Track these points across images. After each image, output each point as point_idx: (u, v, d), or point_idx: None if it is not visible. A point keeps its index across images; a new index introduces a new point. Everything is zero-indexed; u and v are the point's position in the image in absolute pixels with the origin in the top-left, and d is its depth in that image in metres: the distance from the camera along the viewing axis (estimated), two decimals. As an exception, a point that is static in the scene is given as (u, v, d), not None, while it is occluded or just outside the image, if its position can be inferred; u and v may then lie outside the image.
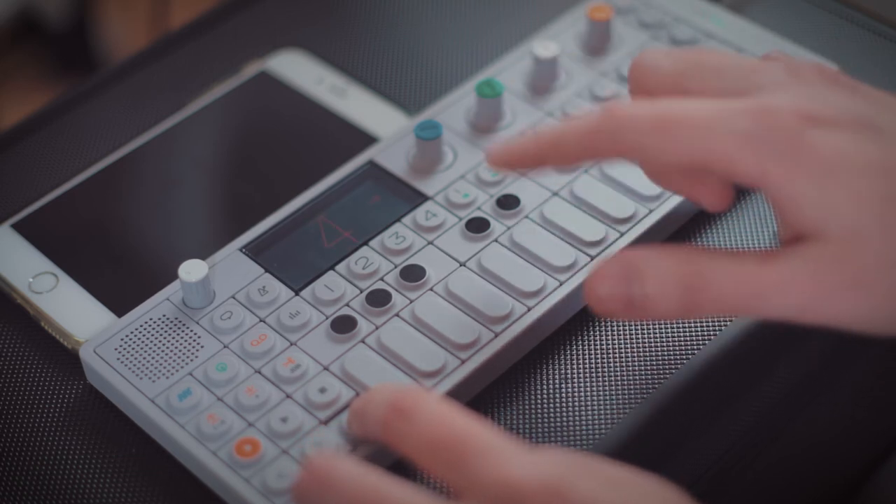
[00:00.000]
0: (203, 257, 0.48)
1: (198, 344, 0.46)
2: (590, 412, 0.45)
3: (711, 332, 0.47)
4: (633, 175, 0.49)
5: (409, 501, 0.36)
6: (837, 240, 0.37)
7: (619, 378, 0.46)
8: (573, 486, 0.35)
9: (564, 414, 0.45)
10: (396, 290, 0.47)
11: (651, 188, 0.49)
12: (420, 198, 0.50)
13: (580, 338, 0.47)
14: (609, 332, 0.47)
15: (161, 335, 0.46)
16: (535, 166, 0.43)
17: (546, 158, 0.42)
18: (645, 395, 0.45)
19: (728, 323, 0.47)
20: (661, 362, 0.46)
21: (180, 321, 0.46)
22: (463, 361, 0.45)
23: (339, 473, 0.37)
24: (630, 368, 0.46)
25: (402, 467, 0.41)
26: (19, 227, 0.52)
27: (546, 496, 0.35)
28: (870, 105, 0.39)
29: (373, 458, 0.42)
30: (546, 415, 0.45)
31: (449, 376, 0.44)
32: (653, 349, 0.46)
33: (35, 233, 0.52)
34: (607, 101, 0.40)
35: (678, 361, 0.46)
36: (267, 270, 0.48)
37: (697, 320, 0.47)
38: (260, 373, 0.45)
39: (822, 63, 0.41)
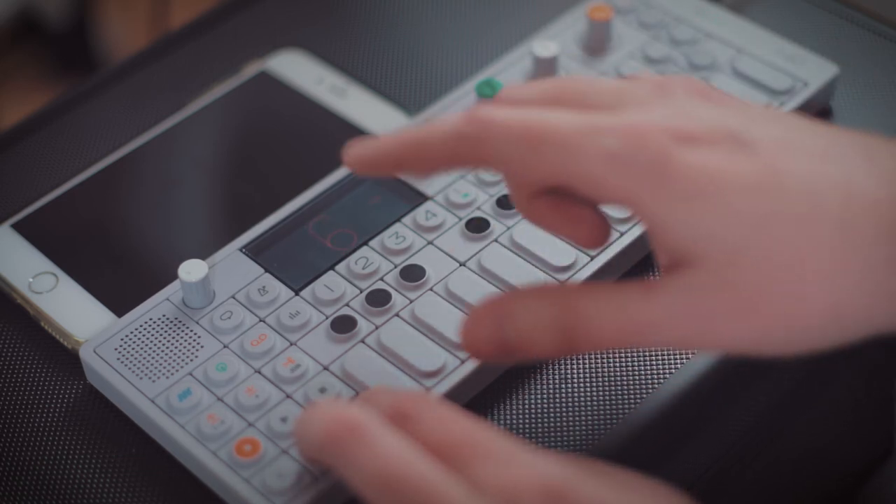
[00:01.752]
0: (203, 257, 0.48)
1: (198, 344, 0.46)
2: (589, 413, 0.45)
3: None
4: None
5: (438, 488, 0.35)
6: (716, 264, 0.35)
7: (618, 379, 0.46)
8: (576, 489, 0.35)
9: (564, 414, 0.45)
10: (396, 290, 0.47)
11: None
12: (420, 198, 0.50)
13: (580, 338, 0.47)
14: (609, 332, 0.47)
15: (161, 335, 0.46)
16: (393, 170, 0.40)
17: (405, 161, 0.39)
18: (644, 396, 0.45)
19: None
20: (660, 363, 0.46)
21: (180, 321, 0.46)
22: (463, 361, 0.45)
23: (375, 437, 0.36)
24: (630, 369, 0.46)
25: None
26: (19, 227, 0.52)
27: (549, 498, 0.35)
28: (741, 118, 0.37)
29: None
30: (546, 415, 0.45)
31: (449, 376, 0.44)
32: (652, 350, 0.46)
33: (35, 233, 0.52)
34: (474, 107, 0.38)
35: (678, 362, 0.46)
36: (267, 270, 0.48)
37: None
38: (260, 373, 0.45)
39: (689, 76, 0.40)
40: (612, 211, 0.48)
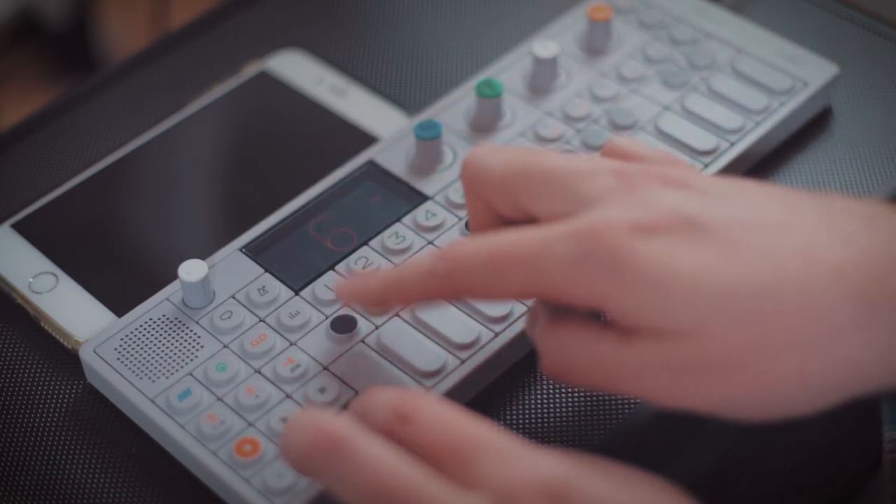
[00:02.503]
0: (203, 257, 0.48)
1: (198, 344, 0.46)
2: (589, 412, 0.45)
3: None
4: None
5: (428, 493, 0.35)
6: (682, 337, 0.36)
7: (619, 378, 0.46)
8: (576, 487, 0.35)
9: (564, 414, 0.45)
10: (396, 290, 0.47)
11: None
12: (420, 198, 0.50)
13: (580, 338, 0.47)
14: (609, 332, 0.47)
15: (161, 335, 0.46)
16: (381, 306, 0.45)
17: (389, 299, 0.42)
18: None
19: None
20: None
21: (180, 321, 0.46)
22: (463, 361, 0.45)
23: (359, 449, 0.36)
24: (630, 368, 0.46)
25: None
26: (19, 227, 0.52)
27: (549, 497, 0.35)
28: (699, 201, 0.38)
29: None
30: (546, 415, 0.45)
31: (449, 376, 0.44)
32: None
33: (35, 233, 0.52)
34: (446, 246, 0.41)
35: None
36: (267, 270, 0.48)
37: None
38: (260, 373, 0.45)
39: (656, 154, 0.42)
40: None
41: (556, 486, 0.35)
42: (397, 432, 0.37)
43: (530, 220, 0.41)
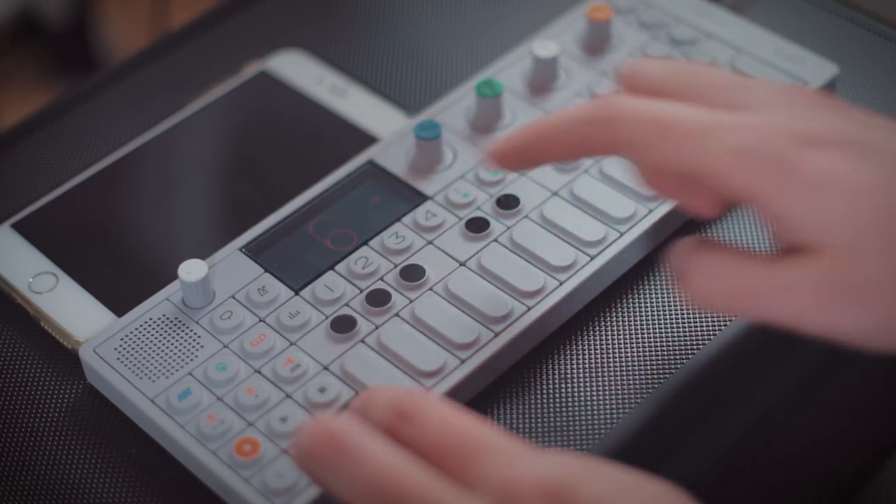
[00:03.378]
0: (203, 257, 0.48)
1: (198, 344, 0.46)
2: (589, 412, 0.45)
3: (710, 333, 0.47)
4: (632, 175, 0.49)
5: (430, 493, 0.35)
6: (836, 253, 0.37)
7: (618, 378, 0.46)
8: (577, 489, 0.35)
9: (564, 414, 0.45)
10: (396, 290, 0.47)
11: (651, 188, 0.49)
12: (420, 198, 0.50)
13: (580, 338, 0.47)
14: (609, 332, 0.47)
15: (161, 335, 0.46)
16: (534, 158, 0.43)
17: (537, 149, 0.42)
18: (644, 395, 0.45)
19: (727, 323, 0.47)
20: (660, 362, 0.46)
21: (180, 321, 0.46)
22: (463, 361, 0.45)
23: (361, 448, 0.36)
24: (629, 368, 0.46)
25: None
26: (19, 227, 0.52)
27: (549, 497, 0.35)
28: (861, 127, 0.39)
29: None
30: (546, 415, 0.45)
31: (448, 376, 0.44)
32: (652, 349, 0.46)
33: (35, 233, 0.52)
34: (602, 95, 0.41)
35: (677, 361, 0.46)
36: (267, 270, 0.48)
37: (696, 320, 0.47)
38: (260, 373, 0.45)
39: (814, 89, 0.41)
40: (617, 212, 0.48)
41: (556, 486, 0.35)
42: (398, 431, 0.37)
43: None
